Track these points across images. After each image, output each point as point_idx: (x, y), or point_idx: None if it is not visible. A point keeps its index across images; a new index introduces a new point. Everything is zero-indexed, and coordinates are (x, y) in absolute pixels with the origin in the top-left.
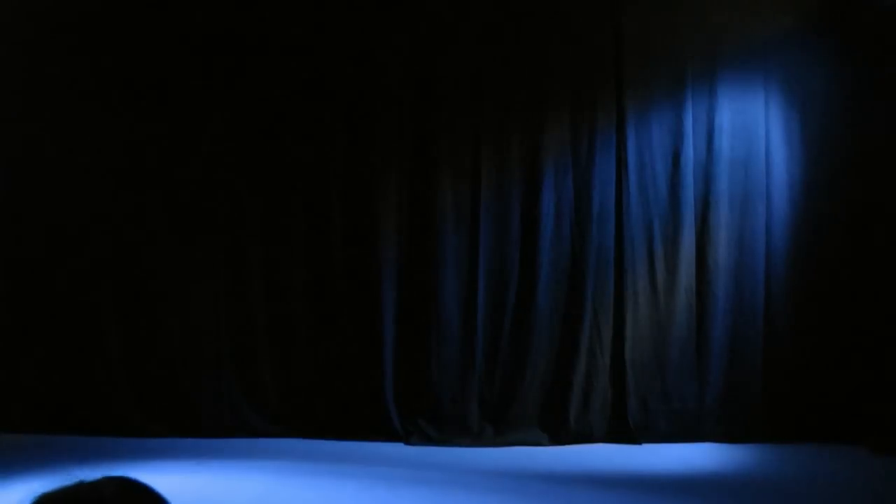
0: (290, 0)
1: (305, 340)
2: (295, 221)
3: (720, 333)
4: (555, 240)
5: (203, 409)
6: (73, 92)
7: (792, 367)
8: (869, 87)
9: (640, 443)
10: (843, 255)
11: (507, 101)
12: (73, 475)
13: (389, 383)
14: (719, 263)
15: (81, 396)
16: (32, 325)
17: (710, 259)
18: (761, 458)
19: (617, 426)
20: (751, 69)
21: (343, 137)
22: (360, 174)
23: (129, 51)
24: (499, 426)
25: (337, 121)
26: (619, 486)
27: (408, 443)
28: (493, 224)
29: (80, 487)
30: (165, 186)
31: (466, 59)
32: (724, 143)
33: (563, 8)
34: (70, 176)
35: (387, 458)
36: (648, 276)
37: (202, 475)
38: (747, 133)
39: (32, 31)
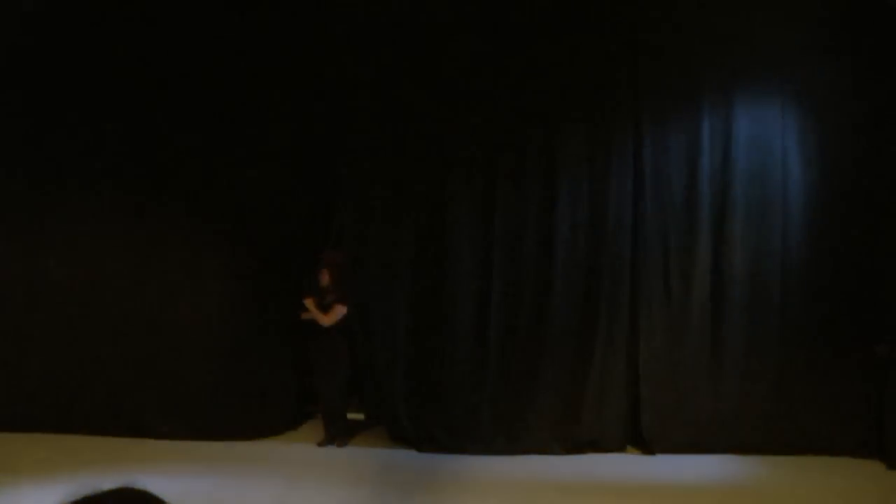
0: (309, 23)
1: (319, 345)
2: (306, 231)
3: (735, 344)
4: (570, 249)
5: (213, 413)
6: (98, 99)
7: (807, 379)
8: (884, 96)
9: (654, 453)
10: (861, 265)
11: (523, 112)
12: (79, 488)
13: (403, 391)
14: (735, 274)
15: (92, 397)
16: (43, 324)
17: (725, 270)
18: (775, 469)
19: (631, 436)
20: (767, 80)
21: (356, 145)
22: (374, 182)
23: (150, 58)
24: (511, 434)
25: (351, 128)
26: (632, 496)
27: (420, 450)
28: (509, 233)
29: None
30: (175, 193)
31: (482, 71)
32: (741, 153)
33: (579, 22)
34: (89, 181)
35: (399, 465)
36: (663, 287)
37: (212, 478)
38: (764, 143)
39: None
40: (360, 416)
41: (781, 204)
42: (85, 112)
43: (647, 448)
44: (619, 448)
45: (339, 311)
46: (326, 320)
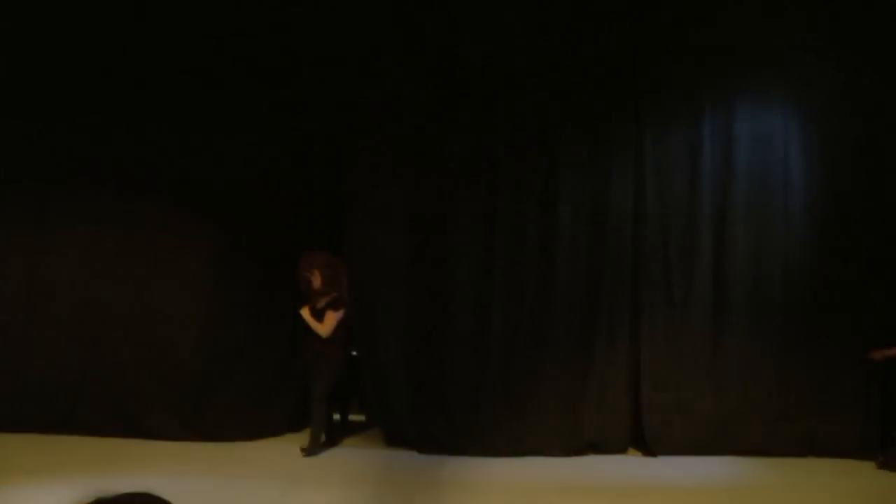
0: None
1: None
2: (309, 233)
3: (737, 345)
4: (571, 250)
5: (214, 414)
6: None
7: (809, 381)
8: (887, 96)
9: (655, 455)
10: (862, 267)
11: (524, 113)
12: (92, 491)
13: (404, 392)
14: (737, 275)
15: (92, 398)
16: (44, 326)
17: (727, 271)
18: (777, 471)
19: (632, 437)
20: (769, 80)
21: (359, 146)
22: (376, 183)
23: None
24: (512, 436)
25: (355, 131)
26: (634, 498)
27: (421, 451)
28: (510, 234)
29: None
30: (178, 195)
31: (483, 72)
32: (743, 154)
33: (580, 23)
34: (90, 182)
35: (400, 466)
36: (664, 288)
37: (213, 479)
38: (765, 144)
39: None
40: (360, 418)
41: (783, 205)
42: (86, 113)
43: (649, 450)
44: (621, 450)
45: (335, 317)
46: (323, 331)
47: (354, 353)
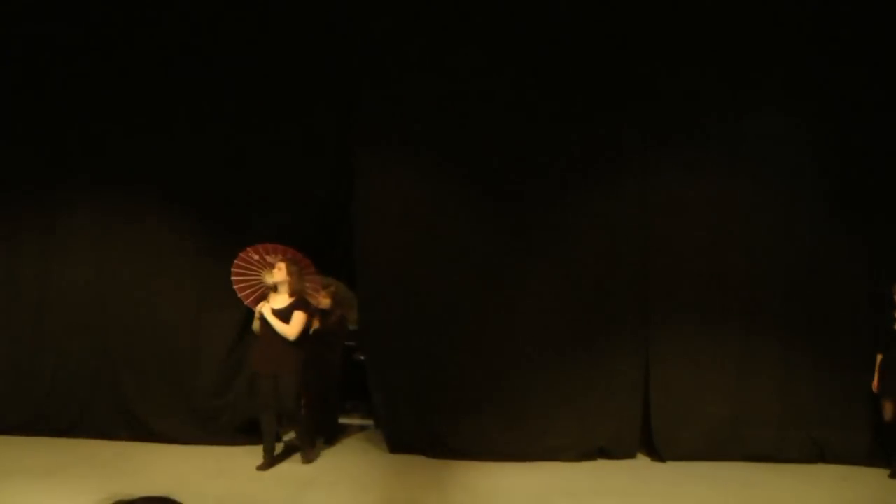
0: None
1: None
2: (314, 234)
3: (746, 351)
4: (578, 253)
5: (221, 416)
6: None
7: (818, 387)
8: (893, 97)
9: (664, 460)
10: (871, 271)
11: (528, 115)
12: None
13: (410, 397)
14: (745, 280)
15: (101, 400)
16: (52, 329)
17: (734, 275)
18: (786, 478)
19: (641, 443)
20: (775, 80)
21: (363, 146)
22: (376, 185)
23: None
24: (520, 441)
25: (360, 135)
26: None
27: (428, 456)
28: (516, 236)
29: None
30: (183, 198)
31: (484, 74)
32: (748, 156)
33: (582, 24)
34: (98, 185)
35: (408, 471)
36: (673, 292)
37: (221, 481)
38: (771, 146)
39: None
40: (368, 422)
41: (790, 208)
42: (93, 114)
43: (658, 455)
44: (630, 455)
45: (303, 319)
46: (291, 333)
47: (362, 357)
